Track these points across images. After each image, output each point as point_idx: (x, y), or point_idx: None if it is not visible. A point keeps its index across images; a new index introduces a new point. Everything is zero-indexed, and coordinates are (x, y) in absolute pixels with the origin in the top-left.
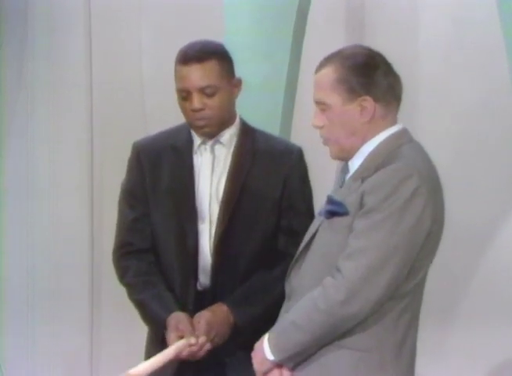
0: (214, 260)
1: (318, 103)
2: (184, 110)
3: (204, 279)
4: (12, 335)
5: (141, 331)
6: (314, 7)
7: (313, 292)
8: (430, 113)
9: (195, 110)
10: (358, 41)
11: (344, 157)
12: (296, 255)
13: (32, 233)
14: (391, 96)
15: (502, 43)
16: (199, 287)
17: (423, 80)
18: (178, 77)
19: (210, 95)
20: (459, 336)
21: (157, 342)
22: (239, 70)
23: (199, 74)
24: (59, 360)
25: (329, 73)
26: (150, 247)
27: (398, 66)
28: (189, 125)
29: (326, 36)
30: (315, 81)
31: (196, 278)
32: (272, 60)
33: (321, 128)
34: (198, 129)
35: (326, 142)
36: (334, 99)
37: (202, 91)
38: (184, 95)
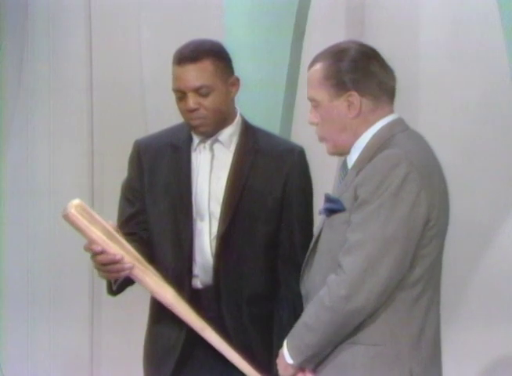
0: (215, 259)
1: (310, 99)
2: (180, 110)
3: (205, 277)
4: (12, 335)
5: (141, 331)
6: (314, 6)
7: (320, 292)
8: (430, 113)
9: (190, 111)
10: (358, 40)
11: (339, 152)
12: (306, 257)
13: (32, 232)
14: (381, 91)
15: (503, 43)
16: (199, 285)
17: (423, 80)
18: (174, 78)
19: (205, 96)
20: (459, 335)
21: (156, 342)
22: (240, 70)
23: (193, 75)
24: (59, 360)
25: (318, 69)
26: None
27: (397, 66)
28: (187, 124)
29: (326, 35)
30: (307, 79)
31: (190, 275)
32: (272, 60)
33: (316, 124)
34: (194, 129)
35: (321, 139)
36: (322, 95)
37: (196, 91)
38: (180, 96)
